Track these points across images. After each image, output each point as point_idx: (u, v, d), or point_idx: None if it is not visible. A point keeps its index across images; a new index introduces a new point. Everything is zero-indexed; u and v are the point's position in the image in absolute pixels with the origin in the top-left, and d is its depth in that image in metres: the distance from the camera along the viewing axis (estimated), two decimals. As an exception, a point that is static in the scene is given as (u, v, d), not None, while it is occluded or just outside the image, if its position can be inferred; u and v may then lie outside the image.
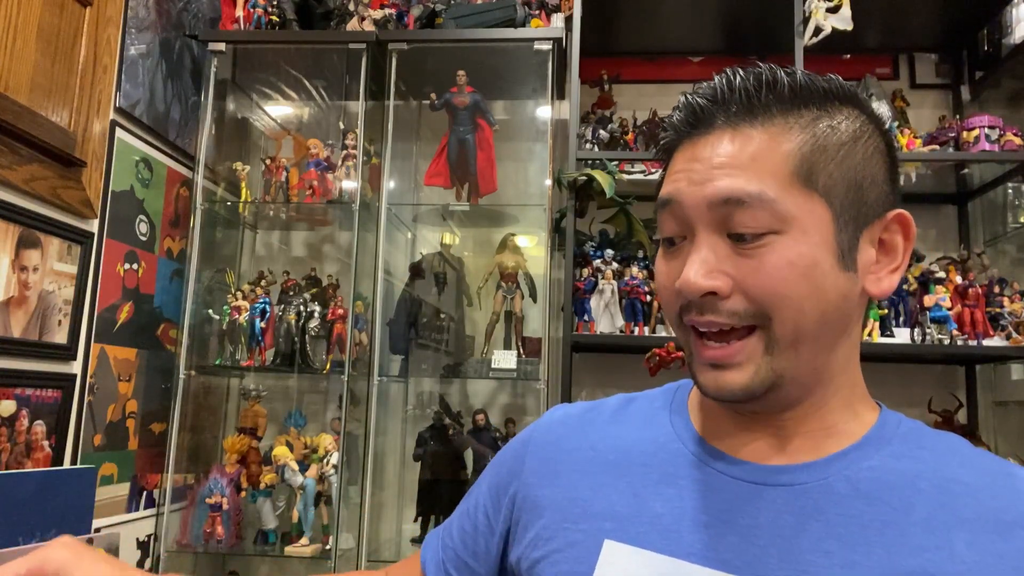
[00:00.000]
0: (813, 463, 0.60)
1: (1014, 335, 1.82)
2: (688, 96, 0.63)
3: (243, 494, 1.96)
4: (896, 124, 2.04)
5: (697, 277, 0.57)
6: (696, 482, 0.62)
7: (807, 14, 1.90)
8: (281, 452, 1.93)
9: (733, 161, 0.58)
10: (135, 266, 1.86)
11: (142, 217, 1.89)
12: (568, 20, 2.03)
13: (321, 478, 1.93)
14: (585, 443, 0.69)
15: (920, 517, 0.56)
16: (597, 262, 1.96)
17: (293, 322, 2.02)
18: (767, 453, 0.61)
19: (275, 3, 2.09)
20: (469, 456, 1.99)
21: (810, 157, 0.58)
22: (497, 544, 0.72)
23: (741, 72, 0.60)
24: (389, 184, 2.08)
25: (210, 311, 2.10)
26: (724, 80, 0.61)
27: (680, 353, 1.78)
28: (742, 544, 0.57)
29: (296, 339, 2.02)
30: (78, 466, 1.64)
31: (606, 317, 1.91)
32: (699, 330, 0.60)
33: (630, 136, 2.12)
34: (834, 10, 1.86)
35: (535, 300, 2.04)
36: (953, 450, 0.61)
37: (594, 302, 1.92)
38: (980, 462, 0.60)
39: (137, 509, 1.87)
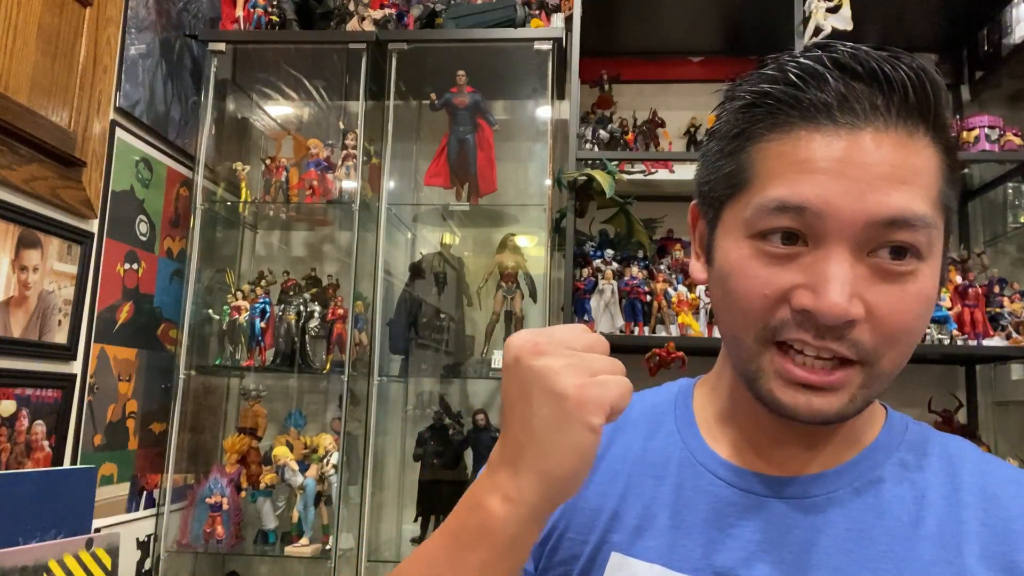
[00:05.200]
0: (823, 474, 0.58)
1: (1014, 335, 1.82)
2: (831, 73, 0.50)
3: (243, 494, 1.96)
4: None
5: (843, 301, 0.49)
6: (705, 495, 0.60)
7: (807, 14, 1.90)
8: (281, 452, 1.93)
9: (900, 172, 0.50)
10: (135, 266, 1.86)
11: (142, 217, 1.89)
12: (568, 20, 2.03)
13: (321, 478, 1.93)
14: None
15: (930, 531, 0.54)
16: (597, 262, 1.95)
17: (293, 322, 2.02)
18: (783, 465, 0.59)
19: (275, 3, 2.09)
20: (469, 456, 1.99)
21: (945, 177, 0.53)
22: None
23: (905, 61, 0.51)
24: (389, 184, 2.07)
25: (210, 311, 2.09)
26: (881, 62, 0.50)
27: (680, 353, 1.78)
28: (751, 559, 0.56)
29: (296, 339, 2.01)
30: (78, 466, 1.64)
31: (606, 317, 1.90)
32: (790, 346, 0.53)
33: (630, 136, 2.12)
34: (834, 10, 1.86)
35: (535, 300, 2.03)
36: (962, 457, 0.59)
37: (594, 302, 1.92)
38: (989, 469, 0.58)
39: (137, 509, 1.87)
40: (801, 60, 0.52)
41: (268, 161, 2.10)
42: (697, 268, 0.62)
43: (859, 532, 0.55)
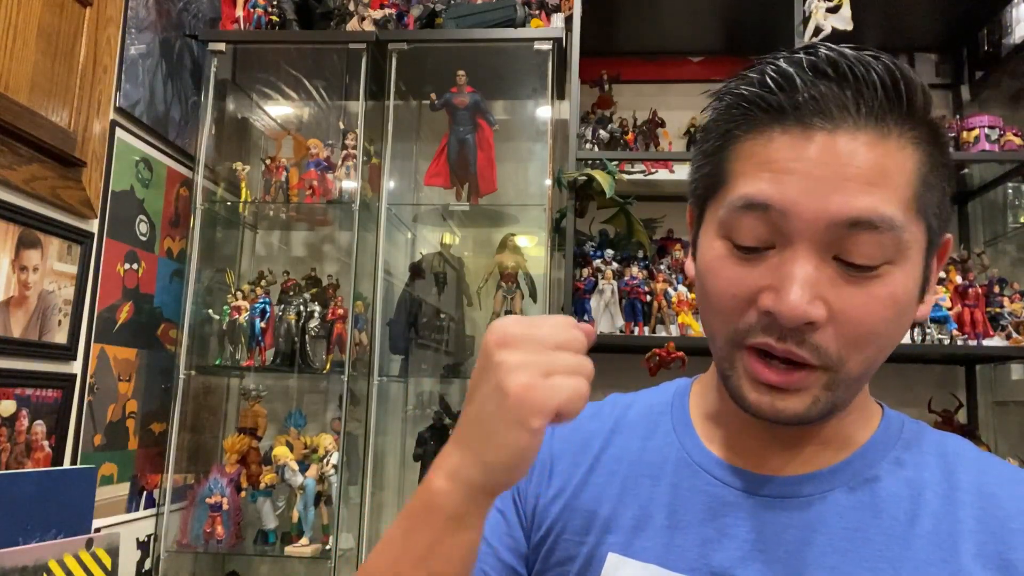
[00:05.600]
0: (818, 473, 0.58)
1: (1014, 335, 1.82)
2: (804, 75, 0.51)
3: (243, 494, 1.96)
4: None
5: (802, 303, 0.49)
6: (701, 494, 0.60)
7: (807, 14, 1.90)
8: (281, 452, 1.93)
9: (868, 174, 0.49)
10: (135, 266, 1.86)
11: (142, 217, 1.89)
12: (568, 20, 2.03)
13: (321, 478, 1.93)
14: (590, 452, 0.67)
15: (925, 530, 0.54)
16: (597, 262, 1.95)
17: (293, 322, 2.02)
18: (776, 464, 0.59)
19: (275, 3, 2.09)
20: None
21: (924, 179, 0.52)
22: (524, 533, 0.67)
23: (882, 61, 0.51)
24: (389, 184, 2.08)
25: (210, 311, 2.09)
26: (854, 63, 0.50)
27: (680, 353, 1.78)
28: (747, 559, 0.56)
29: (296, 339, 2.01)
30: (78, 466, 1.64)
31: (606, 317, 1.90)
32: (757, 348, 0.54)
33: (630, 136, 2.12)
34: (834, 10, 1.86)
35: (535, 300, 2.03)
36: (958, 455, 0.59)
37: (594, 302, 1.92)
38: (986, 467, 0.58)
39: (137, 509, 1.87)
40: (779, 63, 0.53)
41: (268, 161, 2.10)
42: (689, 266, 0.63)
43: (855, 531, 0.55)
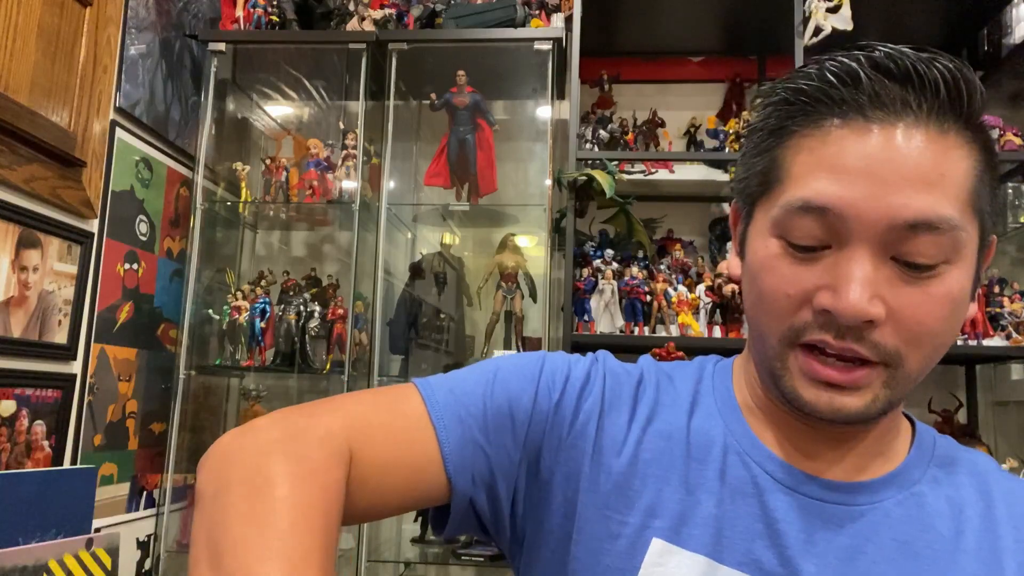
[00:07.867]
0: (867, 483, 0.57)
1: (1014, 335, 1.82)
2: (866, 71, 0.51)
3: (243, 494, 1.95)
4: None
5: (862, 302, 0.49)
6: (752, 487, 0.58)
7: (807, 14, 1.90)
8: (281, 452, 1.92)
9: (927, 172, 0.49)
10: (135, 266, 1.86)
11: (142, 217, 1.89)
12: (568, 20, 2.03)
13: (321, 478, 1.92)
14: (634, 422, 0.62)
15: (970, 546, 0.55)
16: (597, 262, 1.95)
17: (293, 322, 2.02)
18: (822, 466, 0.58)
19: (275, 3, 2.09)
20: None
21: (979, 178, 0.52)
22: (519, 460, 0.62)
23: (942, 61, 0.51)
24: (389, 184, 2.07)
25: (210, 311, 2.09)
26: (916, 62, 0.50)
27: (680, 353, 1.78)
28: (798, 559, 0.55)
29: (296, 339, 2.01)
30: (78, 466, 1.64)
31: (606, 317, 1.90)
32: (813, 346, 0.53)
33: (630, 136, 2.12)
34: (834, 10, 1.86)
35: (535, 300, 2.03)
36: (987, 473, 0.60)
37: (594, 302, 1.92)
38: (1014, 487, 0.59)
39: (137, 509, 1.87)
40: (840, 59, 0.52)
41: (268, 161, 2.10)
42: (734, 265, 0.62)
43: (903, 544, 0.55)
